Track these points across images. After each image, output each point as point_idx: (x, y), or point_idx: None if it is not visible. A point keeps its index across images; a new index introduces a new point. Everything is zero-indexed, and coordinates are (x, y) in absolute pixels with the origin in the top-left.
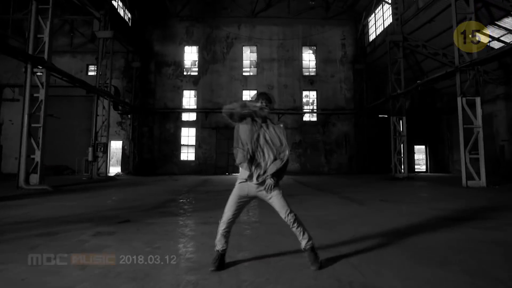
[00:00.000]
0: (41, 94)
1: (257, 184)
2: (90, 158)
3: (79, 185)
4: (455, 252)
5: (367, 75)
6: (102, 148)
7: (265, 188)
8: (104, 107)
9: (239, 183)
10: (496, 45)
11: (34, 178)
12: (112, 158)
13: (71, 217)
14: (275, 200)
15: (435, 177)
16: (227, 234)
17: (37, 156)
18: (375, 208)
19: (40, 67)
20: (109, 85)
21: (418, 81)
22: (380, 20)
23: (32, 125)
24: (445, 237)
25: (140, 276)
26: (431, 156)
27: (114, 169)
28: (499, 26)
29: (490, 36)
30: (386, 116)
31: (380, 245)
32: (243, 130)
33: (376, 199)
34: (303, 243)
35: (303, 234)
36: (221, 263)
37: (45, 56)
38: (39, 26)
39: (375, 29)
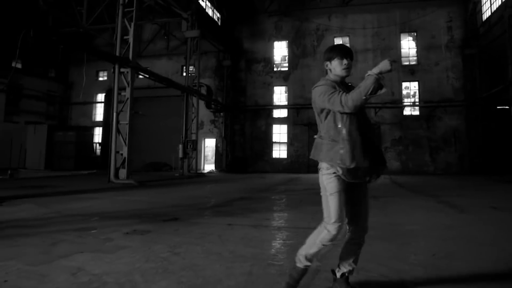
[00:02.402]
0: (127, 93)
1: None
2: (180, 155)
3: (167, 180)
4: None
5: (480, 61)
6: (191, 145)
7: None
8: (193, 105)
9: None
10: None
11: (123, 173)
12: (207, 156)
13: (121, 213)
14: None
15: None
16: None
17: (125, 152)
18: (480, 218)
19: (126, 67)
20: (197, 84)
21: None
22: None
23: (121, 122)
24: None
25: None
26: None
27: (209, 167)
28: None
29: None
30: (508, 107)
31: (472, 277)
32: None
33: (485, 206)
34: (347, 268)
35: (357, 258)
36: None
37: (130, 56)
38: (126, 29)
39: (490, 4)
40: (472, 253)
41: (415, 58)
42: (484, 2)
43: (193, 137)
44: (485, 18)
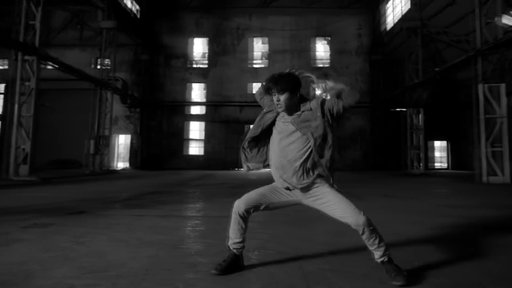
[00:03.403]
0: (32, 83)
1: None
2: (91, 151)
3: (76, 177)
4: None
5: (383, 66)
6: (104, 141)
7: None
8: (107, 99)
9: None
10: None
11: (25, 170)
12: (121, 153)
13: (21, 209)
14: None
15: (454, 174)
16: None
17: (27, 147)
18: (373, 204)
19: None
20: (113, 77)
21: (436, 69)
22: (398, 6)
23: (24, 115)
24: (439, 238)
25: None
26: (453, 153)
27: (122, 164)
28: None
29: None
30: (403, 109)
31: (356, 249)
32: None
33: (379, 195)
34: (379, 253)
35: (380, 241)
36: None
37: (36, 44)
38: (32, 14)
39: (393, 16)
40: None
41: (328, 61)
42: (388, 14)
43: (106, 132)
44: (389, 28)
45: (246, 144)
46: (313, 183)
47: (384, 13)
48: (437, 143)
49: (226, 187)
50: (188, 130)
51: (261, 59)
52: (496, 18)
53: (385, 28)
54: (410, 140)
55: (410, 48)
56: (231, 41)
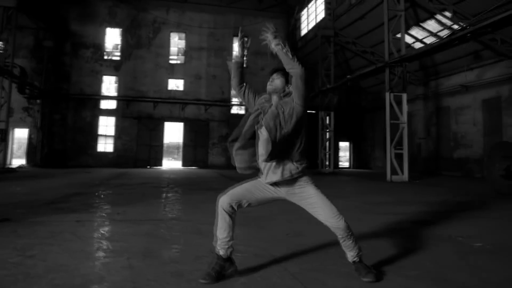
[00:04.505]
0: None
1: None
2: None
3: None
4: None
5: None
6: (1, 135)
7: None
8: (3, 88)
9: None
10: (418, 46)
11: None
12: (19, 149)
13: None
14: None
15: (358, 173)
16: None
17: None
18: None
19: None
20: (11, 63)
21: (348, 76)
22: (313, 15)
23: None
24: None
25: None
26: (355, 153)
27: (18, 161)
28: (423, 28)
29: (414, 37)
30: (314, 112)
31: (318, 247)
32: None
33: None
34: (352, 254)
35: (355, 244)
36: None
37: None
38: None
39: (307, 23)
40: (315, 231)
41: (245, 61)
42: (303, 20)
43: (3, 126)
44: (303, 34)
45: (239, 145)
46: (295, 179)
47: (299, 19)
48: (342, 144)
49: (150, 187)
50: (97, 125)
51: (178, 55)
52: (399, 34)
53: (300, 34)
54: (321, 141)
55: (322, 55)
56: (146, 34)
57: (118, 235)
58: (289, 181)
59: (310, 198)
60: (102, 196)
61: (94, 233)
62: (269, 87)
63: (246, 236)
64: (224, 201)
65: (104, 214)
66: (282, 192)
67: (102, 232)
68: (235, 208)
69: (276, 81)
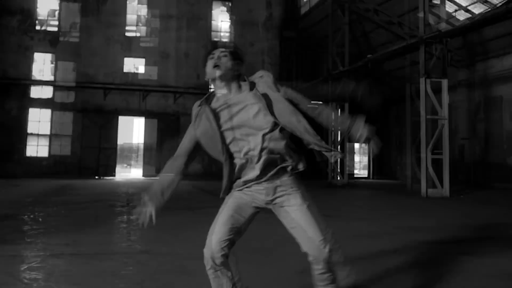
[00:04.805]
0: None
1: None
2: None
3: None
4: None
5: (299, 46)
6: None
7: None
8: None
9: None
10: (461, 17)
11: None
12: None
13: None
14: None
15: (381, 185)
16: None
17: None
18: None
19: None
20: None
21: (368, 55)
22: None
23: None
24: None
25: None
26: (375, 158)
27: None
28: None
29: (456, 4)
30: (320, 103)
31: None
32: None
33: None
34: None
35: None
36: None
37: None
38: None
39: None
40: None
41: (228, 34)
42: None
43: None
44: None
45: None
46: (278, 176)
47: None
48: (357, 145)
49: (105, 206)
50: (26, 120)
51: (137, 25)
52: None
53: None
54: (331, 143)
55: (333, 26)
56: None
57: (75, 276)
58: (270, 180)
59: (292, 212)
60: (40, 219)
61: (39, 273)
62: (212, 70)
63: (248, 276)
64: (214, 254)
65: (48, 246)
66: (260, 198)
67: (49, 271)
68: (228, 253)
69: (224, 59)
